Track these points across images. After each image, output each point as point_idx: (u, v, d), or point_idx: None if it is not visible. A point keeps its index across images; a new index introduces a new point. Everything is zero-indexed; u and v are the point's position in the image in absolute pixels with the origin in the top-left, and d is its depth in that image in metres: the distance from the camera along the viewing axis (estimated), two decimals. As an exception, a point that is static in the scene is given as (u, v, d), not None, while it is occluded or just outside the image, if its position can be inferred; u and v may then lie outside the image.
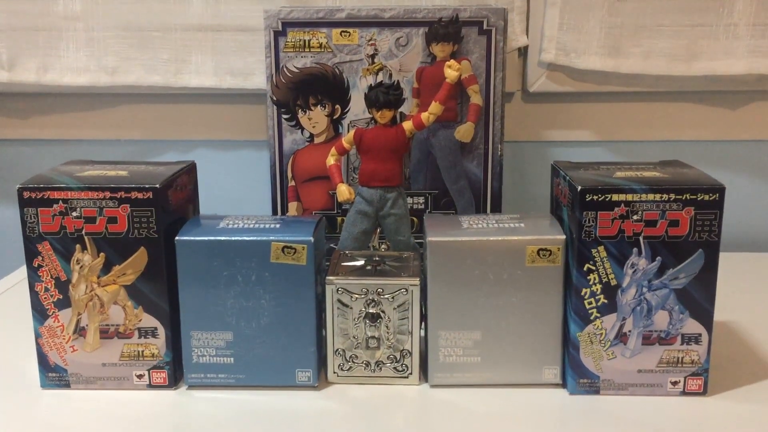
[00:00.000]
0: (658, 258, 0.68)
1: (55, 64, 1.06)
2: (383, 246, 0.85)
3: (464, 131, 0.88)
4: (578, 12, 1.02)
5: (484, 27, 0.87)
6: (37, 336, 0.72)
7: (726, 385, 0.72)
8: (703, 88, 1.06)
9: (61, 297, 0.71)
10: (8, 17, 1.05)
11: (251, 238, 0.70)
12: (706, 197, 0.67)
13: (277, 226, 0.72)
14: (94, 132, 1.13)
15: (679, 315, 0.69)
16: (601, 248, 0.68)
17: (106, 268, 0.71)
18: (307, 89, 0.89)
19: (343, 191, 0.78)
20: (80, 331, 0.72)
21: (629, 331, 0.70)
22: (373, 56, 0.88)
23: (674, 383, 0.71)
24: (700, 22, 1.02)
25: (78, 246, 0.70)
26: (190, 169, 0.79)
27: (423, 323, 0.73)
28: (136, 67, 1.05)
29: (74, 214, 0.69)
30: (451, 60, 0.80)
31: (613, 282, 0.69)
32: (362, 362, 0.73)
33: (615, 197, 0.67)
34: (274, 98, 0.89)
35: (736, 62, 1.02)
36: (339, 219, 0.91)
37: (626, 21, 1.02)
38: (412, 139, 0.81)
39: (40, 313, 0.72)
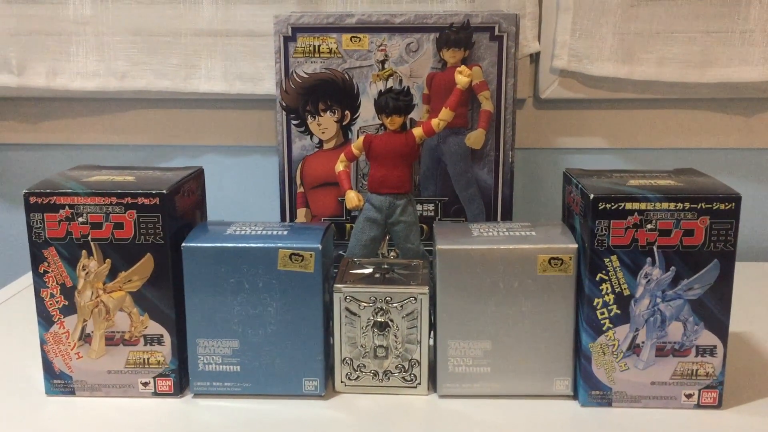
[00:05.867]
0: (673, 268, 0.67)
1: (65, 68, 1.06)
2: (392, 254, 0.84)
3: (475, 138, 0.87)
4: (591, 18, 1.01)
5: (496, 33, 0.86)
6: (43, 342, 0.72)
7: (741, 398, 0.71)
8: (718, 95, 1.05)
9: (66, 303, 0.71)
10: (18, 22, 1.05)
11: (258, 245, 0.69)
12: (722, 206, 0.66)
13: (285, 232, 0.72)
14: (104, 137, 1.13)
15: (694, 326, 0.68)
16: (614, 257, 0.67)
17: (112, 275, 0.70)
18: (317, 95, 0.88)
19: (352, 198, 0.77)
20: (86, 337, 0.72)
21: (642, 342, 0.69)
22: (383, 62, 0.87)
23: (688, 396, 0.70)
24: (715, 29, 1.01)
25: (84, 252, 0.70)
26: (198, 175, 0.79)
27: (432, 332, 0.72)
28: (146, 72, 1.05)
29: (80, 219, 0.69)
30: (462, 66, 0.80)
31: (626, 292, 0.68)
32: (370, 371, 0.72)
33: (628, 206, 0.66)
34: (284, 104, 0.89)
35: (752, 69, 1.01)
36: (348, 226, 0.90)
37: (640, 27, 1.01)
38: (422, 146, 0.81)
39: (45, 319, 0.71)
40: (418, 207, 0.88)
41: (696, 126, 1.08)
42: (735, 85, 1.03)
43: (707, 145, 1.09)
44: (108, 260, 0.70)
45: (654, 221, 0.66)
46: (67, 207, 0.69)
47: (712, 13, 1.00)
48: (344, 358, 0.72)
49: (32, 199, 0.69)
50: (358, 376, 0.72)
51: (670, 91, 1.05)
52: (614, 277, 0.68)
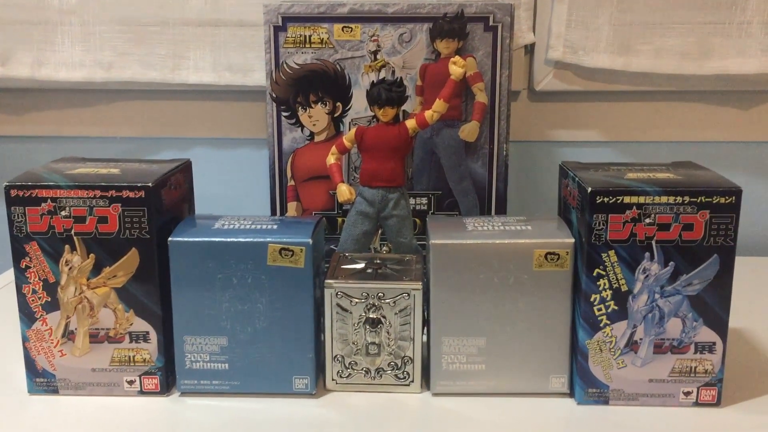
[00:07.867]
0: (671, 263, 0.66)
1: (50, 58, 1.04)
2: (384, 248, 0.83)
3: (469, 130, 0.86)
4: (587, 8, 1.00)
5: (490, 23, 0.85)
6: (25, 340, 0.70)
7: (741, 396, 0.70)
8: (715, 87, 1.04)
9: (49, 299, 0.69)
10: (2, 11, 1.03)
11: (247, 240, 0.68)
12: (722, 200, 0.65)
13: (275, 227, 0.70)
14: (90, 129, 1.11)
15: (693, 322, 0.67)
16: (611, 252, 0.66)
17: (96, 270, 0.68)
18: (308, 86, 0.87)
19: (344, 191, 0.76)
20: (69, 335, 0.70)
21: (640, 339, 0.68)
22: (375, 52, 0.86)
23: (687, 394, 0.69)
24: (713, 20, 1.00)
25: (67, 246, 0.68)
26: (185, 168, 0.77)
27: (425, 329, 0.71)
28: (133, 62, 1.04)
29: (63, 213, 0.67)
30: (456, 56, 0.78)
31: (624, 288, 0.67)
32: (362, 369, 0.71)
33: (626, 199, 0.65)
34: (274, 95, 0.87)
35: (749, 61, 1.00)
36: (339, 220, 0.89)
37: (636, 18, 1.00)
38: (415, 138, 0.79)
39: (27, 316, 0.70)
40: (411, 200, 0.87)
41: (693, 118, 1.07)
42: (732, 77, 1.02)
43: (704, 138, 1.08)
44: (92, 255, 0.68)
45: (653, 215, 0.65)
46: (49, 200, 0.67)
47: (710, 4, 0.99)
48: (335, 356, 0.70)
49: (13, 192, 0.67)
50: (349, 374, 0.71)
51: (667, 83, 1.04)
52: (612, 272, 0.66)
